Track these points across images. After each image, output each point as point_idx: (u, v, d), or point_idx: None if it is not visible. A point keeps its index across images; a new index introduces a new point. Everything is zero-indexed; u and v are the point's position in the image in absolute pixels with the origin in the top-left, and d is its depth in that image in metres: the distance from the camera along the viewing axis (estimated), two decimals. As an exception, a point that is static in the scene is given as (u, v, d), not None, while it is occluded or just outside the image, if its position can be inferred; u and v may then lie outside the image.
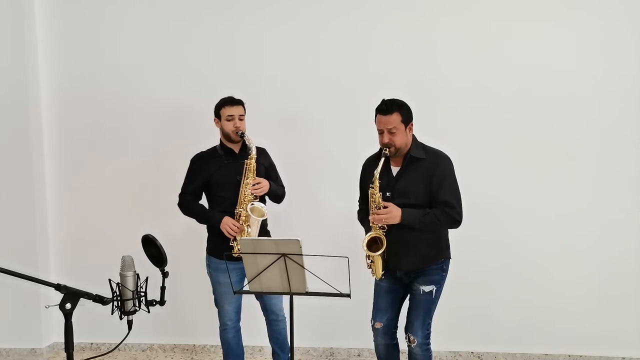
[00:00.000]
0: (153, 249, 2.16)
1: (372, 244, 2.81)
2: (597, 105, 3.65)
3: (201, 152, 3.29)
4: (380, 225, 2.79)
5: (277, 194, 3.29)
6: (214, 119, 3.24)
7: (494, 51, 3.71)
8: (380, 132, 2.80)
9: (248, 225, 3.07)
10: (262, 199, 3.21)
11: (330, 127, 3.84)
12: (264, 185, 3.13)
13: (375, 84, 3.68)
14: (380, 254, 2.79)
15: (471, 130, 3.74)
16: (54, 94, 4.11)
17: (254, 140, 3.18)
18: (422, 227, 2.75)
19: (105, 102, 4.06)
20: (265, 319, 3.33)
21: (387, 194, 2.82)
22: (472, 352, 3.89)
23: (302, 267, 2.52)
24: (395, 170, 2.87)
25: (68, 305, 1.99)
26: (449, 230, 2.93)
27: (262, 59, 3.90)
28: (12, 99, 3.99)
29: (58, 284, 2.00)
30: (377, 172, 2.76)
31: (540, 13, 3.66)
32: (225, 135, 3.20)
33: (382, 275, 2.88)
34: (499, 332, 3.84)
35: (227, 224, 3.07)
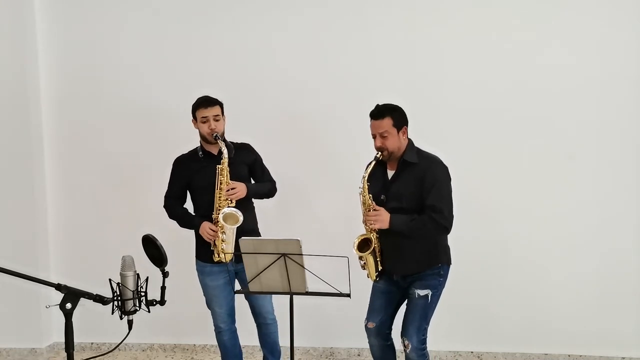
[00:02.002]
0: (153, 249, 2.16)
1: (364, 245, 2.83)
2: (595, 104, 3.65)
3: (182, 155, 3.24)
4: (371, 228, 2.81)
5: (259, 193, 3.21)
6: (192, 120, 3.16)
7: (493, 51, 3.70)
8: (373, 137, 2.83)
9: (223, 232, 2.98)
10: (246, 202, 3.12)
11: (330, 128, 3.83)
12: (239, 190, 3.02)
13: (375, 87, 3.67)
14: (370, 254, 2.81)
15: (470, 131, 3.74)
16: (54, 94, 4.11)
17: (238, 137, 3.15)
18: (411, 233, 2.76)
19: (106, 103, 4.06)
20: (255, 322, 3.29)
21: (382, 197, 2.83)
22: (472, 352, 3.89)
23: (302, 267, 2.52)
24: (391, 173, 2.88)
25: (68, 305, 1.99)
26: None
27: (263, 60, 3.89)
28: (12, 99, 3.99)
29: (58, 283, 2.00)
30: (365, 175, 2.81)
31: (540, 12, 3.66)
32: (202, 137, 3.13)
33: (376, 277, 2.89)
34: (499, 332, 3.84)
35: (205, 229, 3.03)
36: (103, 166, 4.10)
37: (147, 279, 2.14)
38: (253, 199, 3.23)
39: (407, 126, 2.84)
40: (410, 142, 2.87)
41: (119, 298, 2.09)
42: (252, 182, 3.24)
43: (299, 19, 3.86)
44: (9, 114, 4.00)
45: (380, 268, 2.87)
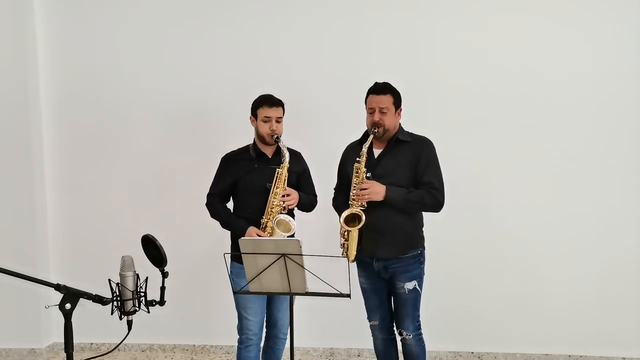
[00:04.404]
0: (153, 249, 2.16)
1: (350, 221, 2.80)
2: (597, 106, 3.66)
3: (232, 152, 3.10)
4: (361, 202, 2.78)
5: (305, 205, 3.09)
6: (250, 117, 3.03)
7: (497, 52, 3.71)
8: (371, 112, 2.84)
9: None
10: (290, 211, 3.03)
11: (329, 127, 3.82)
12: (294, 197, 2.94)
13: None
14: (358, 229, 2.77)
15: (471, 131, 3.74)
16: (54, 94, 4.10)
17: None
18: (406, 206, 2.77)
19: (105, 102, 4.06)
20: (266, 334, 3.15)
21: (368, 174, 2.83)
22: (472, 352, 3.89)
23: (302, 267, 2.51)
24: (377, 152, 2.89)
25: (68, 306, 1.98)
26: (427, 227, 2.93)
27: (263, 59, 3.90)
28: (12, 99, 3.98)
29: (58, 284, 1.99)
30: (365, 148, 2.79)
31: (542, 15, 3.67)
32: (259, 136, 3.00)
33: (355, 257, 2.85)
34: (499, 332, 3.84)
35: (251, 236, 2.88)
36: (103, 166, 4.09)
37: (146, 279, 2.13)
38: None
39: (401, 108, 2.90)
40: (400, 125, 2.92)
41: (119, 298, 2.08)
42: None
43: (303, 19, 3.86)
44: (9, 114, 3.99)
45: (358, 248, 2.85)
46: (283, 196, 2.91)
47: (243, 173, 3.02)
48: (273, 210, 2.92)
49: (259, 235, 2.89)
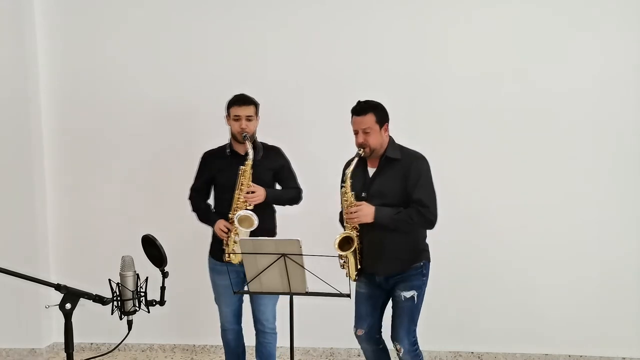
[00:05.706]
0: (153, 249, 2.16)
1: (345, 244, 2.78)
2: (595, 104, 3.65)
3: (211, 150, 3.22)
4: (353, 225, 2.78)
5: (281, 200, 3.16)
6: (225, 116, 3.12)
7: (492, 49, 3.71)
8: (355, 133, 2.80)
9: (236, 234, 2.96)
10: (268, 206, 3.10)
11: (327, 127, 3.81)
12: (258, 194, 2.99)
13: (369, 87, 3.65)
14: (352, 252, 2.77)
15: (463, 131, 3.75)
16: (54, 94, 4.11)
17: (266, 139, 3.15)
18: (396, 226, 2.73)
19: (105, 103, 4.06)
20: (254, 328, 3.21)
21: (363, 194, 2.81)
22: (472, 352, 3.89)
23: (302, 267, 2.52)
24: (371, 171, 2.86)
25: (68, 305, 1.99)
26: (428, 231, 2.89)
27: (261, 59, 3.90)
28: (12, 100, 3.98)
29: (58, 284, 2.00)
30: (348, 171, 2.78)
31: (540, 11, 3.66)
32: (232, 135, 3.10)
33: (356, 275, 2.84)
34: (499, 332, 3.84)
35: (219, 227, 3.01)
36: (103, 166, 4.10)
37: (146, 279, 2.13)
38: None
39: (388, 123, 2.83)
40: (391, 138, 2.86)
41: (119, 298, 2.08)
42: (278, 187, 3.20)
43: (294, 19, 3.87)
44: (9, 115, 3.99)
45: (359, 267, 2.84)
46: (247, 193, 2.97)
47: (218, 170, 3.12)
48: (239, 206, 2.98)
49: (226, 227, 2.99)
